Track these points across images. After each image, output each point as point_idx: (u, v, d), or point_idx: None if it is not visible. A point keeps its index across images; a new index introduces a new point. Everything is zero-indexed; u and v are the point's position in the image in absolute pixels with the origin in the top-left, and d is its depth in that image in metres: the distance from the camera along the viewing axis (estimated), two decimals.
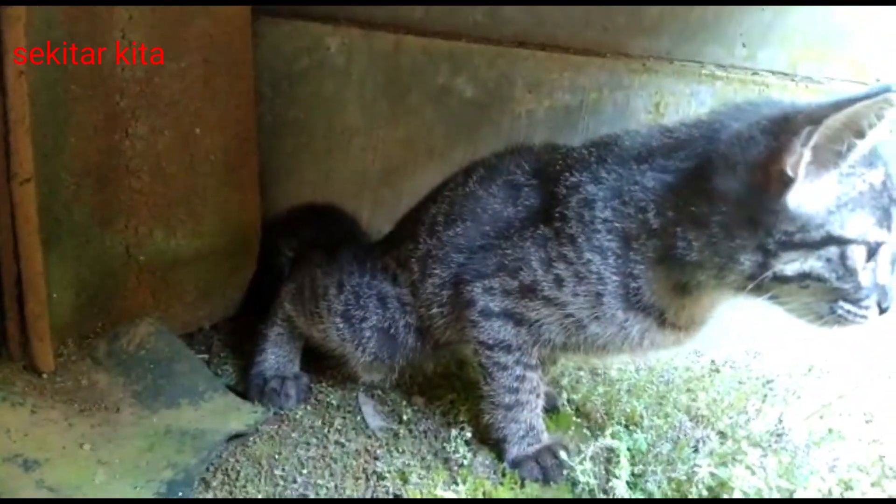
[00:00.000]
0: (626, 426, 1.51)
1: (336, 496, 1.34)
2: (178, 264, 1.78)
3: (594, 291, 1.26)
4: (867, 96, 0.99)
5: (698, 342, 1.69)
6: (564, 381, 1.71)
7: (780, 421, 1.15)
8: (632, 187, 1.22)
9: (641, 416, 1.47)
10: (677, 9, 1.88)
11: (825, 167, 1.06)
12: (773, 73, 1.90)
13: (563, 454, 1.41)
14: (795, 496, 1.12)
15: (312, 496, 1.33)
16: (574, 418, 1.59)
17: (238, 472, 1.37)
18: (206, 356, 1.75)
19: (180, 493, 1.28)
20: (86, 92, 1.57)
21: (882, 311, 1.13)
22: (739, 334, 1.64)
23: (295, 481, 1.36)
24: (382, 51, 2.00)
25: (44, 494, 1.22)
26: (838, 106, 1.00)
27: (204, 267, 1.84)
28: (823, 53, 1.88)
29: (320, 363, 1.69)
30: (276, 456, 1.42)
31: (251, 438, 1.46)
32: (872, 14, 1.83)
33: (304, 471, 1.39)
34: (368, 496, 1.34)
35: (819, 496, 1.14)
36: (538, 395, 1.45)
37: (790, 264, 1.08)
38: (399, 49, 2.00)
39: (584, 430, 1.57)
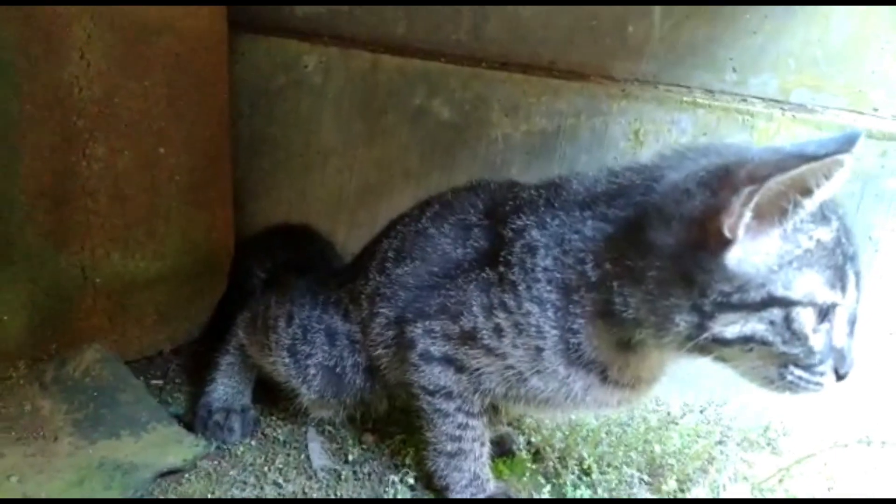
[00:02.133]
0: (581, 476, 1.43)
1: None
2: (137, 287, 1.75)
3: (534, 345, 1.18)
4: (815, 157, 0.91)
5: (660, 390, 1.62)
6: (527, 422, 1.63)
7: (718, 486, 1.06)
8: (572, 236, 1.15)
9: (595, 466, 1.39)
10: (666, 31, 1.79)
11: (768, 224, 0.97)
12: (763, 100, 1.79)
13: None
14: None
15: None
16: (529, 464, 1.52)
17: None
18: (161, 382, 1.71)
19: None
20: (41, 112, 1.55)
21: (839, 377, 1.04)
22: (703, 382, 1.54)
23: None
24: (359, 70, 1.95)
25: None
26: (783, 166, 0.91)
27: (165, 289, 1.80)
28: (818, 80, 1.77)
29: (273, 395, 1.64)
30: (209, 495, 1.38)
31: (187, 475, 1.42)
32: (871, 39, 1.71)
33: None
34: None
35: None
36: (483, 444, 1.38)
37: (729, 326, 0.99)
38: (376, 68, 1.94)
39: (539, 478, 1.49)
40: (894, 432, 1.30)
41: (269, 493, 1.40)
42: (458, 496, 1.38)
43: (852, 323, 1.05)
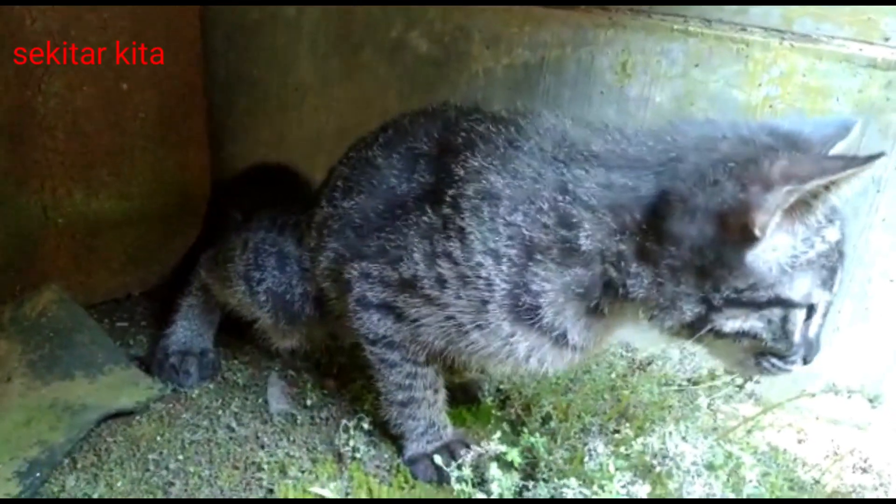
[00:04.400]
0: (544, 423, 1.37)
1: (207, 486, 1.25)
2: (103, 228, 1.71)
3: (479, 297, 1.08)
4: (858, 163, 0.85)
5: (631, 335, 1.53)
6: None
7: (670, 436, 0.99)
8: (557, 196, 1.02)
9: (554, 414, 1.32)
10: None
11: (789, 223, 0.91)
12: (764, 29, 1.65)
13: (463, 453, 1.28)
14: None
15: (179, 484, 1.25)
16: (495, 411, 1.46)
17: (110, 453, 1.31)
18: (126, 324, 1.69)
19: (38, 474, 1.22)
20: None
21: (805, 363, 1.02)
22: None
23: (167, 467, 1.28)
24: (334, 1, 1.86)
25: None
26: (825, 169, 0.86)
27: (134, 231, 1.77)
28: (824, 8, 1.62)
29: (238, 338, 1.60)
30: (158, 438, 1.35)
31: (137, 417, 1.39)
32: None
33: (181, 456, 1.31)
34: (242, 487, 1.26)
35: None
36: (436, 390, 1.32)
37: (731, 321, 0.96)
38: None
39: (504, 425, 1.43)
40: (860, 381, 1.21)
41: (222, 436, 1.37)
42: (414, 443, 1.33)
43: (826, 314, 1.02)
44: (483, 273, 1.07)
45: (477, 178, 1.09)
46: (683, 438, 1.02)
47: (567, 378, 1.43)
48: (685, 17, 1.69)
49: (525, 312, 1.07)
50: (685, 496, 0.97)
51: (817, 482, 1.30)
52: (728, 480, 1.03)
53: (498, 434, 1.18)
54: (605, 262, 1.00)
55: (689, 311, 0.96)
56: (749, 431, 1.22)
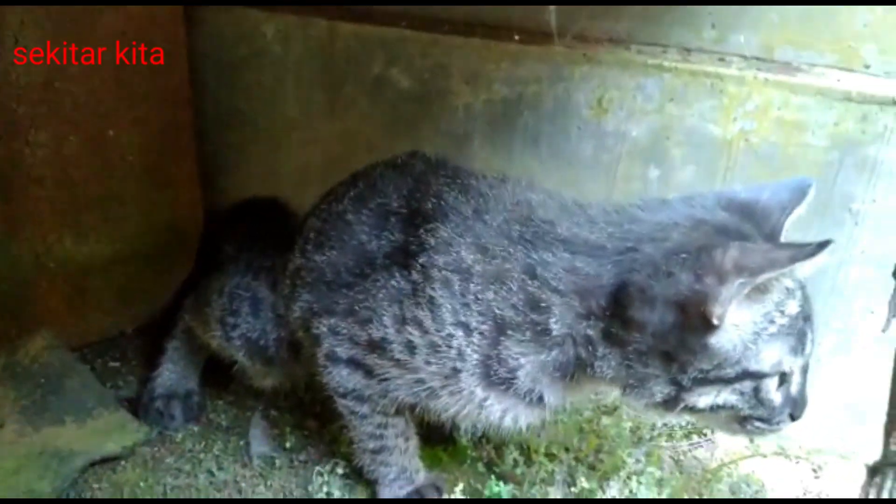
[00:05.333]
0: (514, 467, 1.39)
1: None
2: (94, 270, 1.76)
3: (451, 366, 1.11)
4: (808, 255, 0.88)
5: None
6: None
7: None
8: (527, 279, 1.04)
9: (520, 459, 1.34)
10: None
11: (747, 306, 0.94)
12: (744, 58, 1.64)
13: (434, 496, 1.31)
14: None
15: None
16: (470, 452, 1.48)
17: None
18: (118, 364, 1.74)
19: None
20: None
21: (794, 419, 1.04)
22: None
23: None
24: (317, 38, 1.88)
25: None
26: (775, 261, 0.89)
27: (125, 271, 1.81)
28: (805, 35, 1.60)
29: (223, 379, 1.64)
30: (142, 484, 1.40)
31: (122, 462, 1.44)
32: None
33: None
34: None
35: None
36: (407, 438, 1.35)
37: (703, 398, 0.98)
38: (334, 36, 1.86)
39: (479, 466, 1.46)
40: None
41: (203, 480, 1.41)
42: (387, 488, 1.37)
43: (806, 370, 1.03)
44: (454, 343, 1.09)
45: (447, 251, 1.11)
46: (633, 495, 1.04)
47: None
48: (664, 47, 1.68)
49: (499, 380, 1.09)
50: None
51: None
52: None
53: (461, 486, 1.21)
54: (576, 344, 1.03)
55: (659, 392, 0.99)
56: (708, 481, 1.23)
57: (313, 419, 1.57)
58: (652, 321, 0.96)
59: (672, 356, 0.97)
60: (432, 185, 1.24)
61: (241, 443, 1.52)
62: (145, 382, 1.63)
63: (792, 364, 0.99)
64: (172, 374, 1.61)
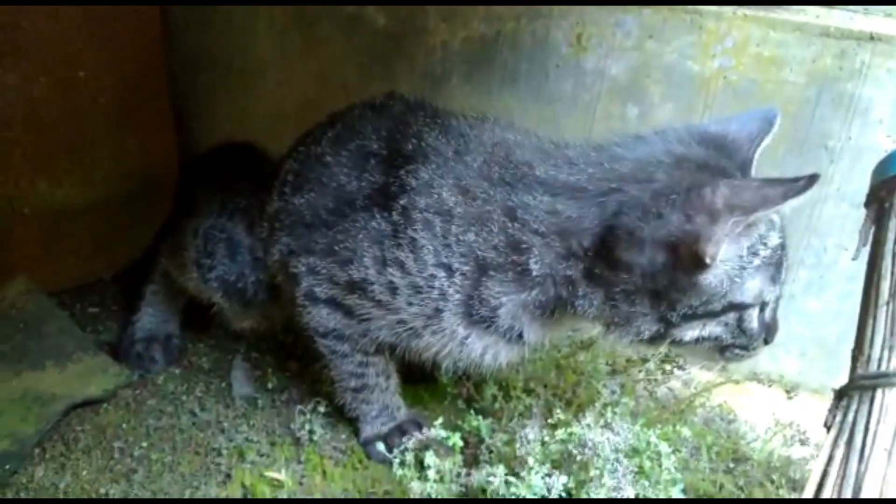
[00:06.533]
0: (494, 401, 1.41)
1: (168, 472, 1.32)
2: (69, 215, 1.74)
3: (433, 306, 1.12)
4: (798, 192, 0.89)
5: None
6: None
7: (590, 427, 1.03)
8: (508, 221, 1.04)
9: (500, 395, 1.37)
10: None
11: (736, 242, 0.95)
12: None
13: (423, 432, 1.33)
14: None
15: (142, 470, 1.31)
16: (450, 389, 1.51)
17: (78, 442, 1.37)
18: (97, 309, 1.73)
19: (7, 466, 1.29)
20: None
21: (767, 343, 1.07)
22: None
23: (131, 454, 1.35)
24: None
25: None
26: (768, 199, 0.89)
27: (101, 216, 1.80)
28: None
29: (204, 322, 1.64)
30: (124, 425, 1.41)
31: (105, 405, 1.45)
32: None
33: (145, 443, 1.38)
34: (202, 473, 1.32)
35: None
36: (388, 376, 1.37)
37: (689, 331, 1.00)
38: None
39: (459, 402, 1.49)
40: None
41: (185, 421, 1.43)
42: (368, 426, 1.39)
43: (779, 299, 1.06)
44: (436, 284, 1.10)
45: (429, 192, 1.11)
46: (608, 426, 1.07)
47: None
48: None
49: (480, 319, 1.10)
50: (605, 484, 1.02)
51: (761, 451, 1.34)
52: (652, 466, 1.07)
53: (440, 420, 1.23)
54: (557, 284, 1.04)
55: (647, 329, 1.01)
56: (682, 412, 1.26)
57: (294, 360, 1.58)
58: (640, 262, 0.97)
59: (661, 295, 0.98)
60: (412, 125, 1.23)
61: (224, 384, 1.53)
62: (125, 327, 1.62)
63: (771, 293, 1.01)
64: (152, 317, 1.61)
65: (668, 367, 1.29)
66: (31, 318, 1.55)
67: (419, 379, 1.53)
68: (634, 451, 1.07)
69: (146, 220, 1.88)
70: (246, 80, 1.99)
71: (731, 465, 1.31)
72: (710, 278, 0.95)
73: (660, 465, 1.05)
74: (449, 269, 1.09)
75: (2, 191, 1.64)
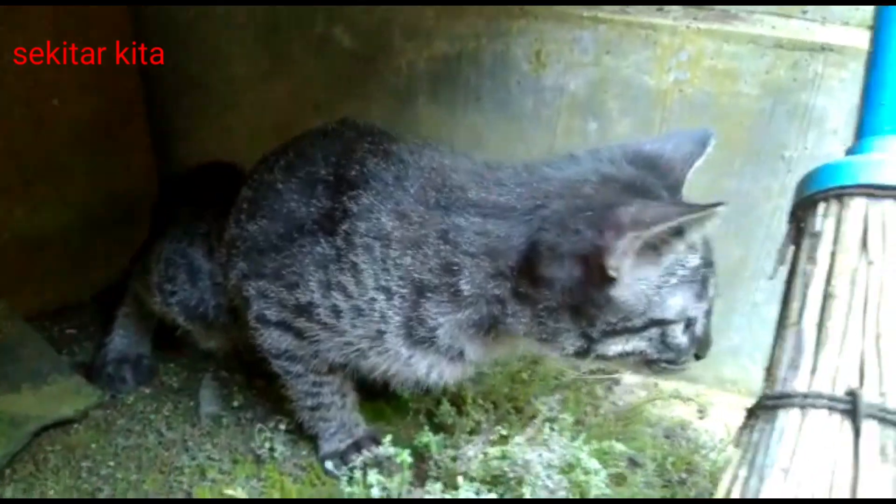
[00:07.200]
0: (448, 417, 1.43)
1: (133, 490, 1.35)
2: (47, 240, 1.79)
3: (375, 328, 1.16)
4: (692, 210, 0.92)
5: None
6: None
7: (522, 445, 1.05)
8: (441, 244, 1.08)
9: (452, 411, 1.39)
10: None
11: (648, 261, 0.98)
12: (683, 5, 1.62)
13: (373, 449, 1.36)
14: None
15: (108, 489, 1.35)
16: (411, 404, 1.53)
17: (48, 462, 1.41)
18: (75, 330, 1.78)
19: None
20: None
21: (698, 359, 1.09)
22: None
23: (98, 474, 1.38)
24: None
25: None
26: (665, 216, 0.92)
27: (79, 240, 1.84)
28: None
29: (177, 341, 1.68)
30: (93, 445, 1.45)
31: (76, 425, 1.49)
32: None
33: (112, 462, 1.41)
34: (165, 491, 1.35)
35: None
36: (344, 394, 1.40)
37: (613, 346, 1.03)
38: None
39: (420, 417, 1.51)
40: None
41: (152, 440, 1.46)
42: (327, 443, 1.42)
43: (710, 313, 1.08)
44: (377, 307, 1.14)
45: (369, 218, 1.14)
46: (544, 443, 1.08)
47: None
48: None
49: (421, 339, 1.14)
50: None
51: (714, 463, 1.35)
52: (587, 480, 1.09)
53: (390, 437, 1.26)
54: (488, 303, 1.07)
55: (571, 344, 1.04)
56: (625, 426, 1.27)
57: (261, 378, 1.61)
58: (560, 278, 1.00)
59: (581, 311, 1.01)
60: (357, 152, 1.26)
61: (192, 403, 1.56)
62: (98, 348, 1.67)
63: (696, 309, 1.03)
64: (124, 338, 1.65)
65: (604, 381, 1.31)
66: (9, 343, 1.59)
67: (381, 395, 1.55)
68: (570, 467, 1.09)
69: (126, 242, 1.93)
70: (224, 101, 2.04)
71: (684, 477, 1.32)
72: (623, 295, 0.97)
73: (587, 482, 1.06)
74: (388, 292, 1.13)
75: None
